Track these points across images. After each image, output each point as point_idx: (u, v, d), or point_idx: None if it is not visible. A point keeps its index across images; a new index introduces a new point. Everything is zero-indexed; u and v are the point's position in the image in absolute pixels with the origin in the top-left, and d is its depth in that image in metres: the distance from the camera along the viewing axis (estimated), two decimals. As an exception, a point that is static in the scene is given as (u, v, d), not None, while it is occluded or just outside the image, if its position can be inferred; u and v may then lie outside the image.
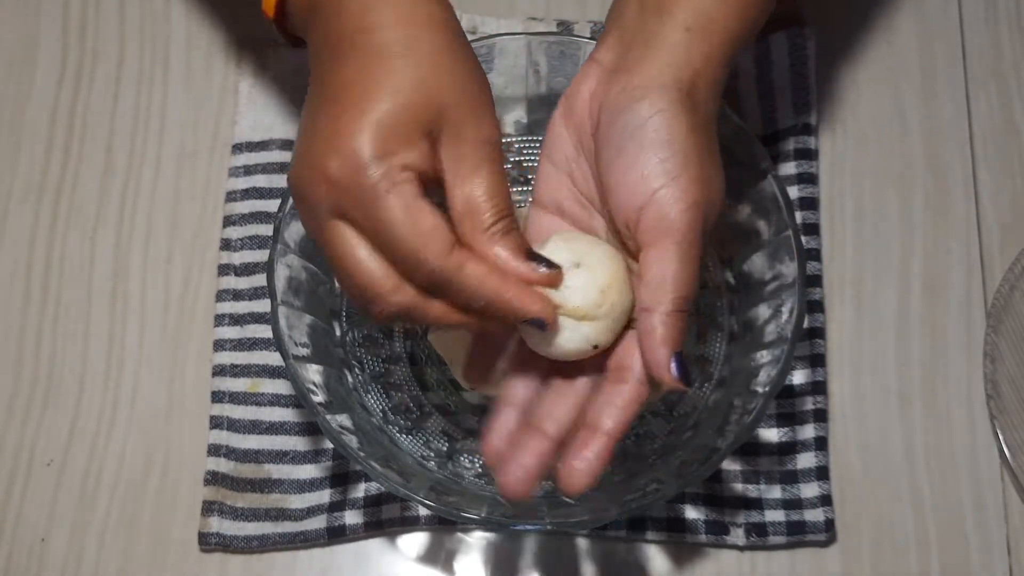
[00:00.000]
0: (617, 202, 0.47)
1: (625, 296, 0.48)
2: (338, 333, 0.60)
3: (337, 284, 0.46)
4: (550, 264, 0.46)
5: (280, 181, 0.65)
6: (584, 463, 0.46)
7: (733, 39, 0.49)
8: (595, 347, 0.47)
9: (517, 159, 0.63)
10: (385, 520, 0.59)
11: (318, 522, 0.60)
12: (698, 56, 0.48)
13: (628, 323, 0.48)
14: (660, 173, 0.46)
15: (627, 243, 0.48)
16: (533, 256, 0.46)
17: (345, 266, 0.46)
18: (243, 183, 0.65)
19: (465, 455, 0.59)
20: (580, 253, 0.48)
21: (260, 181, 0.65)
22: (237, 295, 0.63)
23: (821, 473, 0.59)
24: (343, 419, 0.55)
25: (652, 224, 0.46)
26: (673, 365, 0.45)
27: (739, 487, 0.60)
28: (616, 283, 0.47)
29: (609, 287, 0.47)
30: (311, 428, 0.61)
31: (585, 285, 0.47)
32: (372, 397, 0.60)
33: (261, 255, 0.64)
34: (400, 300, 0.45)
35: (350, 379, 0.59)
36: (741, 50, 0.50)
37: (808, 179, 0.64)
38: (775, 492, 0.59)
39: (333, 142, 0.45)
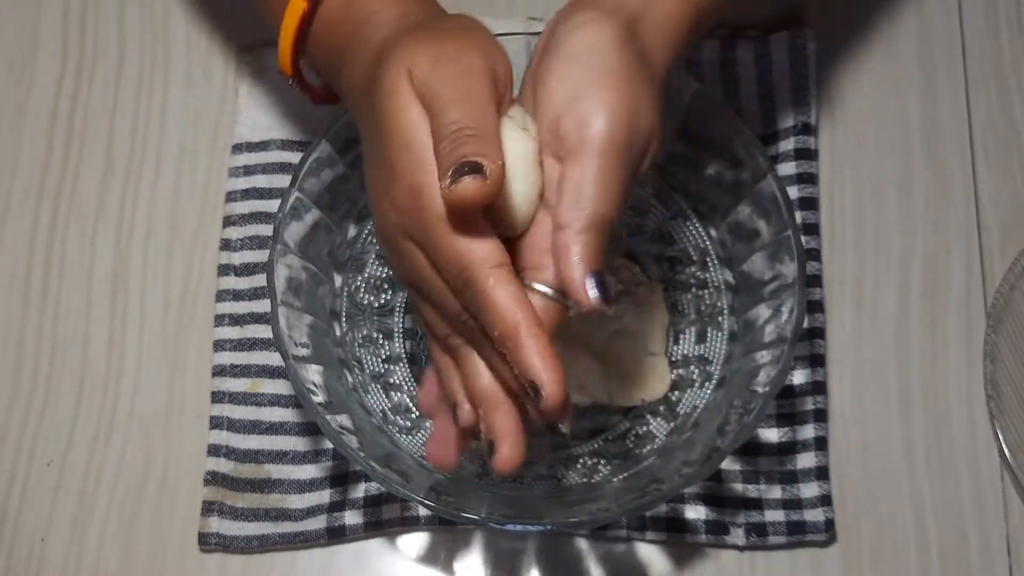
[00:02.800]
0: (541, 113, 0.46)
1: (528, 184, 0.46)
2: (338, 333, 0.60)
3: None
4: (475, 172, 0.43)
5: (280, 181, 0.65)
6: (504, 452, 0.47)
7: None
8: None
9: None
10: (385, 520, 0.59)
11: (318, 522, 0.60)
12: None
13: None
14: (580, 80, 0.45)
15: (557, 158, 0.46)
16: (462, 168, 0.43)
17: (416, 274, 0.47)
18: (243, 183, 0.65)
19: (465, 455, 0.59)
20: None
21: (260, 181, 0.65)
22: (237, 295, 0.63)
23: (821, 473, 0.59)
24: (343, 419, 0.55)
25: (570, 134, 0.44)
26: (591, 283, 0.44)
27: (739, 487, 0.60)
28: (517, 168, 0.45)
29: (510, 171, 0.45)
30: (311, 428, 0.61)
31: None
32: (372, 397, 0.60)
33: (261, 255, 0.64)
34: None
35: (350, 379, 0.59)
36: (707, 9, 0.49)
37: (808, 179, 0.64)
38: (775, 492, 0.59)
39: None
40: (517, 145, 0.45)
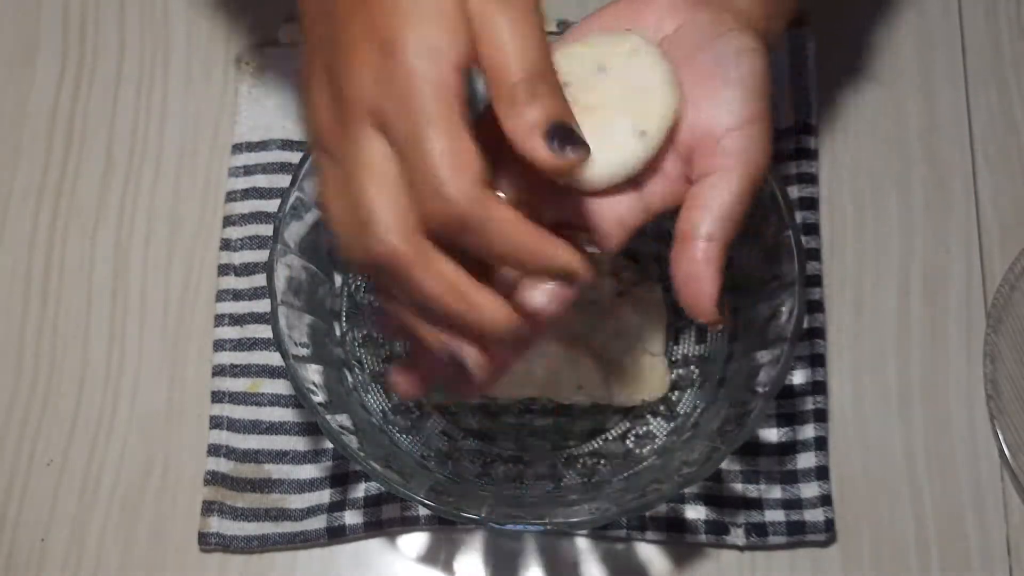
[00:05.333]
0: (693, 119, 0.46)
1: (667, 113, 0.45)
2: (338, 333, 0.60)
3: (324, 209, 0.42)
4: (575, 143, 0.40)
5: (280, 181, 0.65)
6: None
7: (784, 10, 0.50)
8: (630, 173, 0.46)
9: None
10: (385, 520, 0.59)
11: (318, 522, 0.60)
12: (768, 14, 0.48)
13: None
14: (748, 109, 0.45)
15: (683, 159, 0.47)
16: (557, 132, 0.40)
17: (361, 180, 0.39)
18: (243, 183, 0.65)
19: (465, 455, 0.59)
20: (612, 57, 0.46)
21: (260, 181, 0.65)
22: (237, 295, 0.63)
23: (821, 473, 0.59)
24: (343, 419, 0.55)
25: (731, 151, 0.45)
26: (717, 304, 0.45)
27: (739, 487, 0.60)
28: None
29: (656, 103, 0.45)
30: (311, 428, 0.61)
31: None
32: (372, 397, 0.60)
33: (261, 255, 0.64)
34: (396, 243, 0.39)
35: (350, 379, 0.59)
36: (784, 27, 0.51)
37: (808, 179, 0.64)
38: (775, 492, 0.59)
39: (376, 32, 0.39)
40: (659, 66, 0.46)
